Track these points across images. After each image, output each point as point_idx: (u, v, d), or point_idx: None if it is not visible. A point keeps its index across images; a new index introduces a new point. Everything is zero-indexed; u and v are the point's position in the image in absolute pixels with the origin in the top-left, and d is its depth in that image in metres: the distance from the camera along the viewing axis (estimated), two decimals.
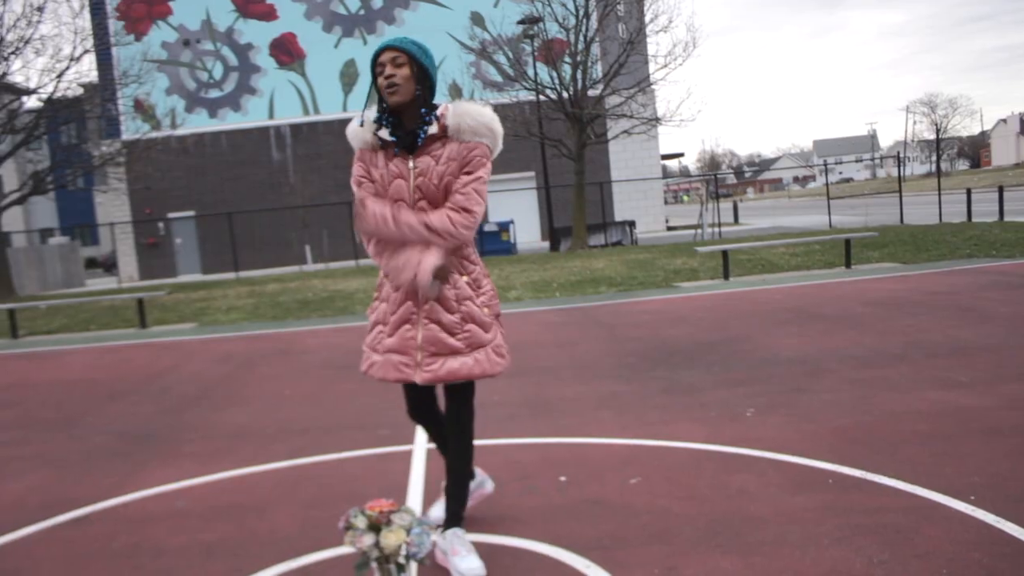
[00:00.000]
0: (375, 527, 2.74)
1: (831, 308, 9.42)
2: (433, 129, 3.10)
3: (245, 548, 3.60)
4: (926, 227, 20.19)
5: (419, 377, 3.12)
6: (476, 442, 4.76)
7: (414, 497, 4.11)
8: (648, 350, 7.66)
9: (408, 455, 4.85)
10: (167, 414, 6.58)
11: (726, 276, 13.22)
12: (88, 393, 7.80)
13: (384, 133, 3.12)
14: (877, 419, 4.84)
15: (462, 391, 3.26)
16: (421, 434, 5.27)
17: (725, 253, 13.56)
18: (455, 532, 3.27)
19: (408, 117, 3.11)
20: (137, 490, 4.58)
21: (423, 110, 3.11)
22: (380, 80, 3.06)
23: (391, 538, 2.70)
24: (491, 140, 3.16)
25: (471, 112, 3.12)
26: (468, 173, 3.11)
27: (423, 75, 3.09)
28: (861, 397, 5.35)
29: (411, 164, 3.11)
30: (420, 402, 3.36)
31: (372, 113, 3.18)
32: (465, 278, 3.18)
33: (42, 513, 4.29)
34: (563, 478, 4.21)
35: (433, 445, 3.66)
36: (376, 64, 3.08)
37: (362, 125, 3.18)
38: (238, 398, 7.02)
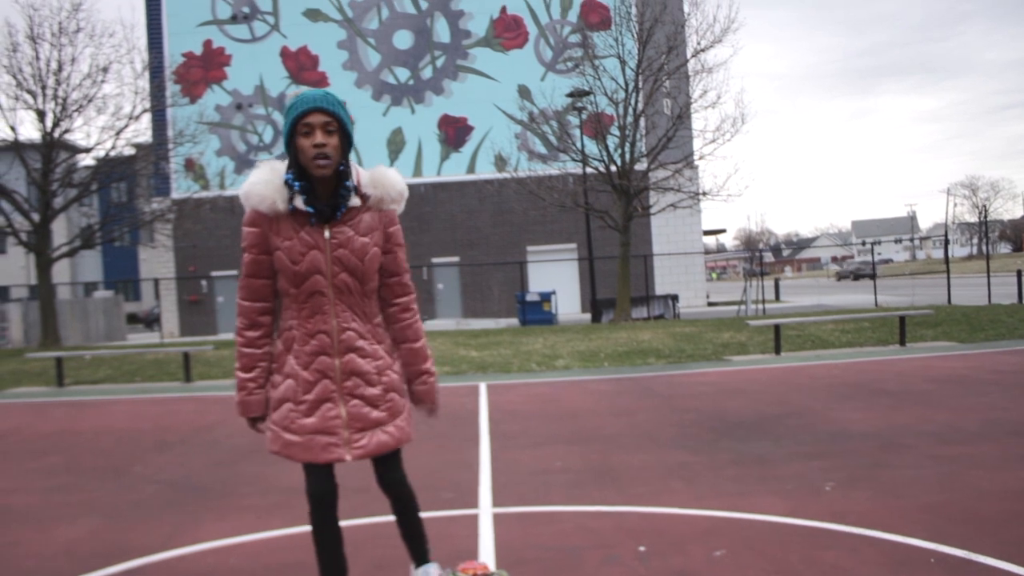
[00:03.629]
0: None
1: (893, 384, 9.12)
2: (355, 201, 2.95)
3: None
4: (978, 307, 19.77)
5: (351, 455, 3.01)
6: (546, 508, 4.53)
7: (486, 563, 3.91)
8: (710, 421, 7.42)
9: (474, 519, 4.65)
10: (218, 466, 6.44)
11: (777, 351, 12.94)
12: (135, 442, 7.69)
13: (299, 202, 2.88)
14: (970, 497, 4.57)
15: (390, 458, 3.17)
16: (486, 498, 5.08)
17: (777, 327, 13.30)
18: (426, 570, 3.29)
19: (323, 184, 2.90)
20: (192, 544, 4.41)
21: (345, 181, 2.93)
22: (306, 145, 2.83)
23: None
24: (400, 206, 3.07)
25: (394, 183, 3.01)
26: (395, 249, 3.07)
27: (348, 143, 2.91)
28: (948, 474, 5.08)
29: (327, 234, 2.92)
30: (329, 480, 3.12)
31: (277, 165, 2.95)
32: (382, 346, 3.08)
33: (95, 562, 4.14)
34: (642, 548, 3.98)
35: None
36: (300, 123, 2.84)
37: (290, 187, 2.88)
38: None
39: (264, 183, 2.90)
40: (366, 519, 4.69)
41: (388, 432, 3.05)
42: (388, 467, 3.17)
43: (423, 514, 4.76)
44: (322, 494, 3.10)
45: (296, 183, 2.88)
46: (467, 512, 4.79)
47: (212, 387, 12.23)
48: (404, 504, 3.26)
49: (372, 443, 3.02)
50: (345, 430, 2.99)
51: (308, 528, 4.62)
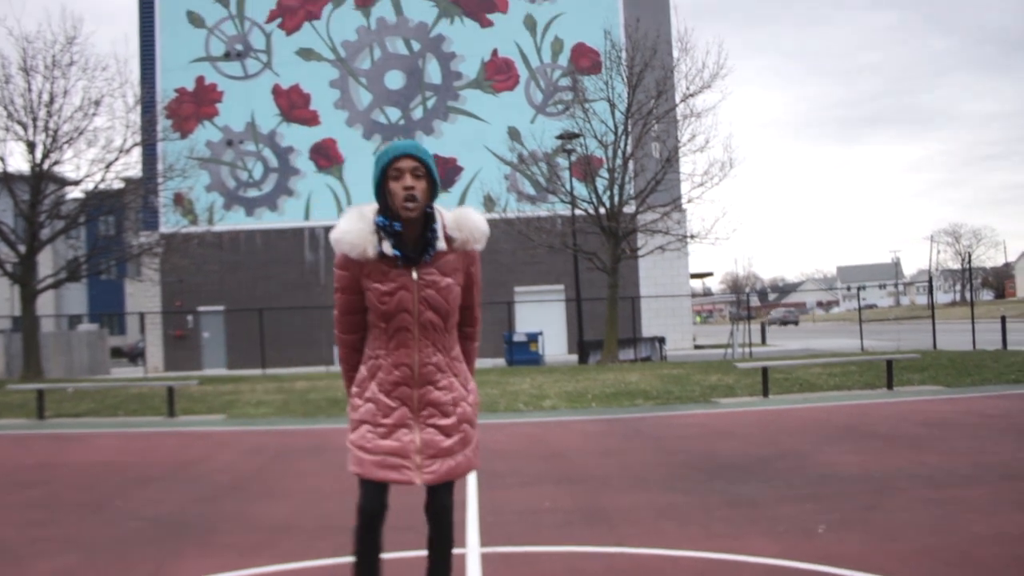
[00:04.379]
0: None
1: (883, 427, 9.09)
2: (442, 245, 3.10)
3: None
4: (964, 352, 19.84)
5: (420, 479, 3.15)
6: (535, 548, 4.48)
7: None
8: (700, 462, 7.36)
9: (461, 559, 4.56)
10: (201, 502, 6.33)
11: (765, 393, 12.90)
12: (117, 477, 7.56)
13: (387, 248, 3.05)
14: (965, 540, 4.52)
15: (447, 485, 3.28)
16: (474, 537, 5.00)
17: (765, 370, 13.27)
18: None
19: (410, 227, 3.07)
20: None
21: (432, 224, 3.09)
22: (396, 188, 3.01)
23: None
24: (483, 245, 3.20)
25: (478, 226, 3.15)
26: (472, 286, 3.23)
27: (434, 189, 3.09)
28: (942, 517, 5.03)
29: (415, 276, 3.07)
30: (384, 500, 3.25)
31: (367, 210, 3.12)
32: (457, 379, 3.23)
33: None
34: None
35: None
36: (391, 167, 3.03)
37: (381, 226, 3.07)
38: (275, 491, 6.76)
39: (356, 232, 3.06)
40: (342, 559, 4.59)
41: (457, 460, 3.18)
42: (441, 494, 3.28)
43: (412, 553, 4.70)
44: (373, 511, 3.24)
45: (390, 223, 3.04)
46: (454, 552, 4.70)
47: (196, 422, 12.08)
48: (442, 532, 3.34)
49: (442, 469, 3.15)
50: (418, 455, 3.14)
51: (295, 565, 4.55)
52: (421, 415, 3.14)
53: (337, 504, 6.14)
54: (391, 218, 3.05)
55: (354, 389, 3.26)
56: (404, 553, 4.70)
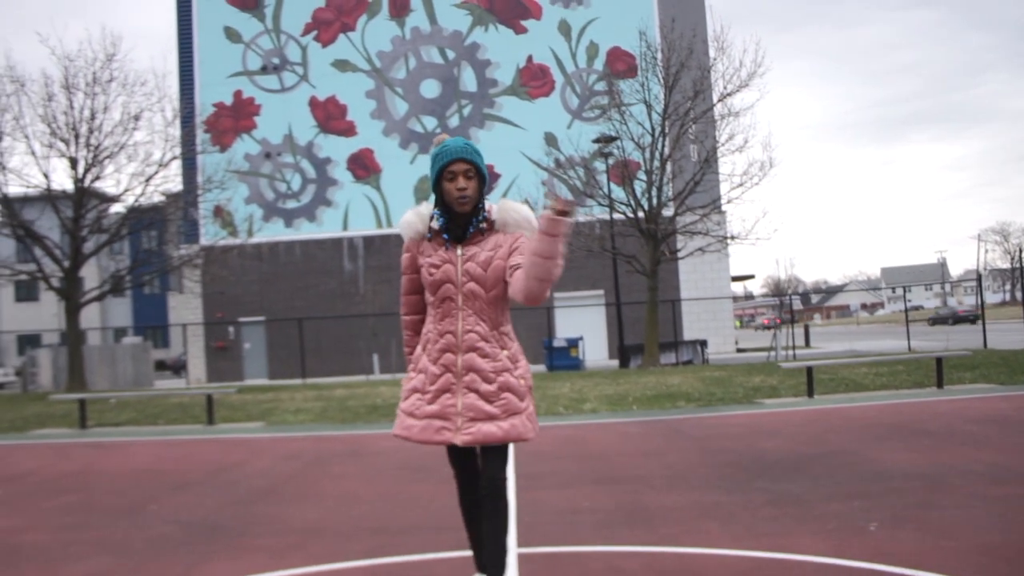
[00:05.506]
0: None
1: (934, 425, 8.78)
2: (483, 226, 3.45)
3: None
4: (1017, 351, 19.26)
5: (459, 439, 3.36)
6: (574, 548, 4.33)
7: None
8: (744, 462, 7.13)
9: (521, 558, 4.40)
10: (235, 506, 6.25)
11: (810, 394, 12.59)
12: (153, 483, 7.52)
13: (435, 224, 3.46)
14: None
15: (496, 455, 3.42)
16: (511, 538, 4.84)
17: (810, 370, 12.96)
18: None
19: (462, 218, 3.44)
20: None
21: (480, 213, 3.46)
22: (451, 188, 3.38)
23: None
24: (530, 231, 3.39)
25: (515, 209, 3.49)
26: (519, 255, 3.42)
27: (483, 184, 3.45)
28: (1002, 515, 4.78)
29: (459, 251, 3.43)
30: (466, 464, 3.55)
31: (424, 206, 3.54)
32: (505, 352, 3.45)
33: None
34: None
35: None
36: (446, 170, 3.38)
37: (433, 217, 3.48)
38: (310, 495, 6.67)
39: (415, 216, 3.52)
40: (374, 560, 4.48)
41: (499, 426, 3.34)
42: (491, 465, 3.41)
43: (444, 554, 4.57)
44: (463, 471, 3.56)
45: (440, 217, 3.45)
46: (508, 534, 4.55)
47: (234, 429, 12.07)
48: (493, 507, 3.42)
49: (480, 432, 3.34)
50: (459, 418, 3.36)
51: (325, 567, 4.44)
52: (464, 380, 3.37)
53: (370, 507, 6.03)
54: (444, 214, 3.44)
55: (410, 364, 3.57)
56: (444, 554, 4.57)
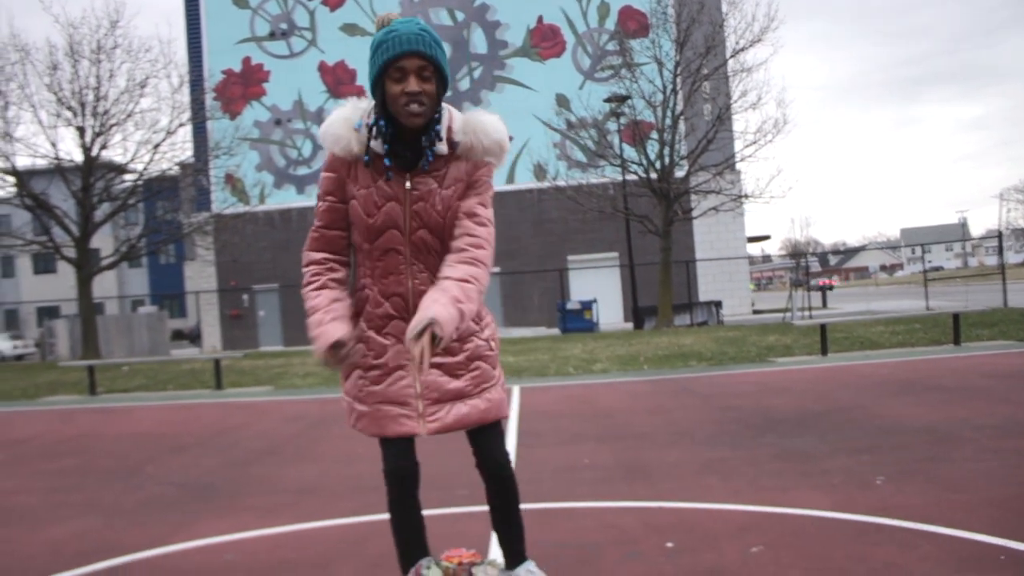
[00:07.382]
0: None
1: (949, 380, 8.57)
2: (443, 148, 2.57)
3: None
4: None
5: (425, 429, 2.63)
6: (567, 504, 4.16)
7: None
8: (751, 418, 6.97)
9: (487, 516, 4.27)
10: (231, 467, 6.16)
11: (824, 352, 12.39)
12: (153, 445, 7.46)
13: (378, 145, 2.54)
14: None
15: (491, 432, 2.75)
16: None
17: (823, 327, 12.75)
18: (527, 568, 2.81)
19: (411, 132, 2.55)
20: (184, 541, 4.12)
21: (435, 127, 2.56)
22: (397, 92, 2.46)
23: None
24: (499, 159, 2.66)
25: (488, 128, 2.61)
26: (475, 196, 2.62)
27: (443, 87, 2.54)
28: (1015, 467, 4.61)
29: (408, 185, 2.56)
30: (407, 457, 2.72)
31: (358, 106, 2.62)
32: None
33: (77, 560, 3.86)
34: (670, 544, 3.59)
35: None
36: (392, 66, 2.46)
37: (358, 130, 2.55)
38: (308, 455, 6.58)
39: (342, 121, 2.56)
40: (364, 517, 4.36)
41: (472, 404, 2.65)
42: (483, 445, 2.75)
43: (437, 511, 4.43)
44: (398, 471, 2.71)
45: (381, 128, 2.52)
46: (482, 509, 4.42)
47: (242, 394, 12.03)
48: (500, 489, 2.81)
49: (450, 416, 2.63)
50: (418, 401, 2.62)
51: (313, 525, 4.33)
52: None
53: (368, 465, 5.89)
54: (387, 123, 2.53)
55: (316, 326, 2.62)
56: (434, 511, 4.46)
